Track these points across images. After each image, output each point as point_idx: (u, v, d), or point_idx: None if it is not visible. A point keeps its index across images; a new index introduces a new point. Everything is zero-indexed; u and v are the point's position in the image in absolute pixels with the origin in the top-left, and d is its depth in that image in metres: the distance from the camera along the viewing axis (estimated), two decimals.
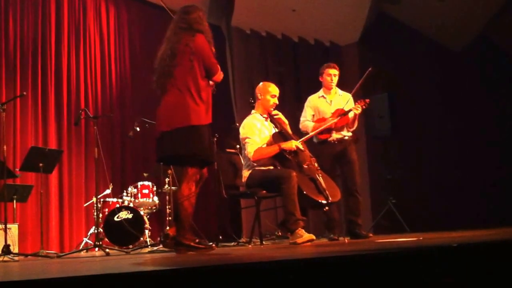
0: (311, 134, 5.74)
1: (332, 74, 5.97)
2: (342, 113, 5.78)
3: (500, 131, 10.14)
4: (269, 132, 5.24)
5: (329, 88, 6.00)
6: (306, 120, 5.97)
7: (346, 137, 5.89)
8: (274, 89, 5.36)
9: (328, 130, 5.83)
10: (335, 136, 5.84)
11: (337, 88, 6.06)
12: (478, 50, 10.29)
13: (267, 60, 9.63)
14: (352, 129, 5.94)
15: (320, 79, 6.07)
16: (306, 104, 6.09)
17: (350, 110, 5.76)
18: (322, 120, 5.88)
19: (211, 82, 4.14)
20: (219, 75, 4.02)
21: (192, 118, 3.87)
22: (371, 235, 5.87)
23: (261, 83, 5.47)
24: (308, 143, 5.75)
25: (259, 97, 5.35)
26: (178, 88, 3.93)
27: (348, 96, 5.99)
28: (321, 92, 6.06)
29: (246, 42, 9.45)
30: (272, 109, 5.36)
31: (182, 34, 4.03)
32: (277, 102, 5.37)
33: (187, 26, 4.05)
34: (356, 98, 5.98)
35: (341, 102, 5.92)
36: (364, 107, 5.79)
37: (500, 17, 9.80)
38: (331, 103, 5.95)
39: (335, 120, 5.75)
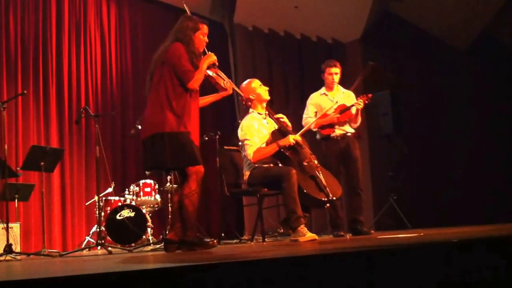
0: (309, 125, 5.71)
1: (334, 73, 5.97)
2: (344, 108, 5.81)
3: (504, 129, 10.14)
4: (267, 131, 5.20)
5: (331, 87, 6.02)
6: (309, 117, 5.98)
7: (349, 134, 5.91)
8: (257, 82, 5.34)
9: (331, 126, 5.84)
10: (338, 132, 5.85)
11: (340, 86, 6.07)
12: (482, 48, 10.28)
13: (270, 57, 9.62)
14: (356, 125, 5.95)
15: (322, 77, 6.09)
16: (308, 101, 6.10)
17: (352, 105, 5.78)
18: (324, 116, 5.88)
19: (229, 92, 4.29)
20: (193, 82, 3.99)
21: (155, 127, 3.94)
22: (372, 232, 5.88)
23: (243, 84, 5.39)
24: (311, 140, 5.75)
25: (252, 97, 5.29)
26: (152, 96, 4.04)
27: (351, 94, 6.02)
28: (323, 90, 6.08)
29: (249, 39, 9.43)
30: (269, 97, 5.35)
31: (166, 42, 4.13)
32: (267, 88, 5.36)
33: (172, 35, 4.15)
34: (357, 94, 5.99)
35: (344, 99, 5.94)
36: (366, 101, 5.80)
37: (503, 14, 9.79)
38: (333, 100, 5.96)
39: (337, 115, 5.76)
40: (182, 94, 4.00)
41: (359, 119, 5.93)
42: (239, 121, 5.58)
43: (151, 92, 4.07)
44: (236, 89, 4.47)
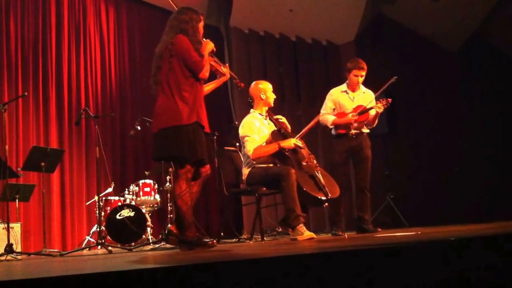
0: (308, 128, 5.69)
1: (359, 75, 5.87)
2: (363, 110, 5.74)
3: (497, 128, 10.18)
4: (268, 131, 5.24)
5: (354, 89, 5.93)
6: (327, 114, 5.92)
7: (364, 133, 5.89)
8: (270, 86, 5.42)
9: (347, 126, 5.82)
10: (353, 131, 5.83)
11: (362, 85, 5.99)
12: (473, 49, 10.34)
13: (266, 60, 9.65)
14: (371, 127, 5.91)
15: (347, 75, 5.98)
16: (328, 97, 6.02)
17: (371, 108, 5.72)
18: (342, 114, 5.84)
19: (228, 77, 4.40)
20: (204, 72, 4.04)
21: (171, 119, 3.94)
22: (379, 229, 5.84)
23: (259, 83, 5.44)
24: (310, 140, 5.76)
25: (262, 97, 5.34)
26: (162, 90, 4.03)
27: (370, 95, 5.93)
28: (344, 87, 5.98)
29: (245, 42, 9.47)
30: (273, 105, 5.40)
31: (169, 35, 4.13)
32: (275, 96, 5.44)
33: (174, 27, 4.14)
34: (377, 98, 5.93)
35: (364, 99, 5.86)
36: (386, 106, 5.73)
37: (493, 16, 9.85)
38: (353, 99, 5.89)
39: (356, 117, 5.72)
40: (194, 84, 4.04)
41: (376, 122, 5.87)
42: (236, 123, 5.60)
43: (160, 85, 4.06)
44: (232, 73, 4.54)
